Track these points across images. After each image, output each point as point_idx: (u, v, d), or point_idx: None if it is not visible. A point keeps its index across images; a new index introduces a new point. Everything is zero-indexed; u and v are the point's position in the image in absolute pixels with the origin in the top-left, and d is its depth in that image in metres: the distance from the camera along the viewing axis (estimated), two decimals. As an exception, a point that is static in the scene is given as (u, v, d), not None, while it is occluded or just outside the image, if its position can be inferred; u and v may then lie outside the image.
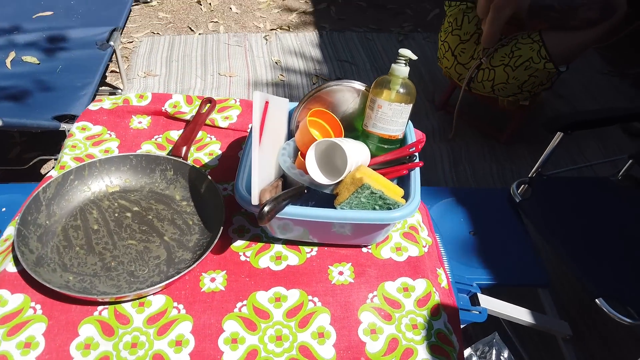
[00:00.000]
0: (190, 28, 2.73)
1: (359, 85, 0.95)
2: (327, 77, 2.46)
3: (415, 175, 0.85)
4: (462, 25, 1.93)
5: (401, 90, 0.89)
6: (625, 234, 1.25)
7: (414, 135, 0.94)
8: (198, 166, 0.99)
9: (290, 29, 2.79)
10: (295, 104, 0.96)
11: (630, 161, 1.45)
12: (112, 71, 2.35)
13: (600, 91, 2.49)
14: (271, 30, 2.78)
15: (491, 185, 1.96)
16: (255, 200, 0.74)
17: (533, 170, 1.39)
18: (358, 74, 2.50)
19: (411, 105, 0.90)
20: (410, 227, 0.92)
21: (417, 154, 0.89)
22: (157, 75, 2.36)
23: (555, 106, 2.36)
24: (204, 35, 2.68)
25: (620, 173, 1.47)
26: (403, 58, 0.89)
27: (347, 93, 0.95)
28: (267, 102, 0.81)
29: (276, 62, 2.52)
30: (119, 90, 2.21)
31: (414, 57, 0.89)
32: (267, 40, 2.69)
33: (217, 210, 0.86)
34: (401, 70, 0.89)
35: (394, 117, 0.89)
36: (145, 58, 2.47)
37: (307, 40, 2.71)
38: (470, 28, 1.93)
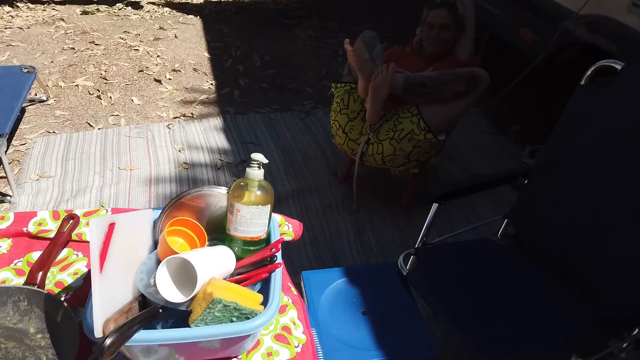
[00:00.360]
0: (89, 124, 2.69)
1: (220, 190, 0.96)
2: (232, 161, 2.49)
3: (276, 278, 0.86)
4: (348, 105, 2.05)
5: (258, 192, 0.91)
6: (500, 293, 1.31)
7: (277, 233, 0.96)
8: (60, 289, 0.94)
9: (194, 116, 2.83)
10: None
11: (506, 220, 1.56)
12: (1, 177, 2.24)
13: (487, 149, 2.70)
14: (174, 118, 2.80)
15: (394, 253, 2.01)
16: (97, 333, 0.71)
17: (418, 241, 1.45)
18: (262, 154, 2.54)
19: (269, 205, 0.93)
20: (282, 328, 0.91)
21: (278, 254, 0.90)
22: (51, 177, 2.28)
23: (447, 168, 2.53)
24: (103, 129, 2.65)
25: (500, 233, 1.57)
26: (256, 162, 0.92)
27: (211, 198, 0.97)
28: (112, 224, 0.80)
29: (179, 151, 2.53)
30: (8, 198, 2.10)
31: (265, 161, 0.93)
32: (170, 129, 2.70)
33: (70, 342, 0.81)
34: (256, 173, 0.92)
35: (253, 219, 0.91)
36: (39, 159, 2.38)
37: (211, 126, 2.75)
38: (356, 107, 2.05)
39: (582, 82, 1.32)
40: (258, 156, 0.92)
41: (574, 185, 1.35)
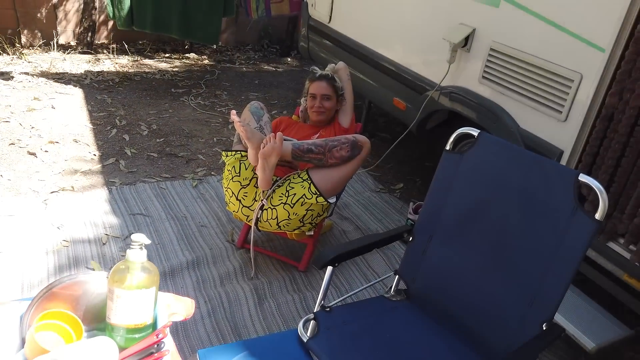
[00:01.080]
0: (-55, 204, 2.37)
1: (97, 276, 0.90)
2: (119, 234, 2.33)
3: (165, 365, 0.81)
4: (240, 172, 2.07)
5: (141, 275, 0.87)
6: (395, 350, 1.36)
7: (165, 316, 0.91)
8: None
9: (75, 189, 2.64)
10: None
11: (397, 276, 1.64)
12: None
13: (376, 207, 2.86)
14: (52, 193, 2.59)
15: (296, 318, 2.00)
16: None
17: (316, 305, 1.46)
18: (153, 225, 2.43)
19: (154, 287, 0.88)
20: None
21: (166, 339, 0.85)
22: None
23: (341, 227, 2.62)
24: (-36, 210, 2.35)
25: (392, 289, 1.64)
26: (137, 243, 0.88)
27: (88, 285, 0.90)
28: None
29: (58, 228, 2.32)
30: None
31: (148, 242, 0.89)
32: (46, 204, 2.48)
33: None
34: (137, 255, 0.88)
35: (136, 304, 0.86)
36: None
37: (94, 199, 2.58)
38: (248, 174, 2.07)
39: (447, 147, 1.48)
40: (139, 237, 0.89)
41: (450, 238, 1.48)
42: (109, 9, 4.09)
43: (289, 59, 5.60)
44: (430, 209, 1.54)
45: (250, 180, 2.07)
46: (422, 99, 2.64)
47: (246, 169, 2.07)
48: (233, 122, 1.91)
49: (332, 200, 2.05)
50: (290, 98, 4.39)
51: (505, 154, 1.37)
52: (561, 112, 1.95)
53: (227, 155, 2.12)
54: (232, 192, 2.08)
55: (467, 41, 2.35)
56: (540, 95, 2.02)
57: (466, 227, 1.47)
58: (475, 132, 1.43)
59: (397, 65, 2.86)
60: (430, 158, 3.54)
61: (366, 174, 3.20)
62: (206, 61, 5.12)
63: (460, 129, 1.46)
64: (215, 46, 5.41)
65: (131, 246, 0.88)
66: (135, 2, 4.03)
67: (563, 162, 1.96)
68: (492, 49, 2.23)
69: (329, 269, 1.44)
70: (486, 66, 2.27)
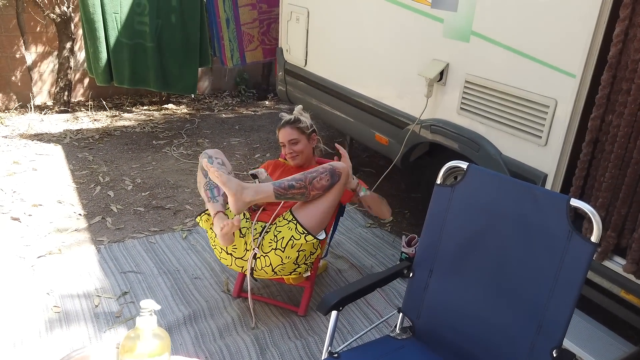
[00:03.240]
0: None
1: (106, 348, 0.88)
2: (112, 295, 2.28)
3: None
4: None
5: (152, 342, 0.85)
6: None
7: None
8: None
9: (62, 252, 2.58)
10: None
11: (401, 314, 1.63)
12: None
13: (369, 243, 2.87)
14: (39, 258, 2.52)
15: (301, 365, 1.96)
16: None
17: (324, 352, 1.44)
18: (146, 282, 2.38)
19: (167, 354, 0.86)
20: None
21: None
22: None
23: (337, 266, 2.61)
24: (-53, 284, 2.27)
25: (398, 327, 1.63)
26: (146, 310, 0.87)
27: (96, 358, 0.87)
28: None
29: (48, 294, 2.25)
30: None
31: (157, 307, 0.88)
32: (34, 270, 2.41)
33: None
34: (147, 321, 0.86)
35: (151, 372, 0.84)
36: None
37: (83, 260, 2.52)
38: None
39: (438, 181, 1.51)
40: (147, 303, 0.88)
41: (450, 271, 1.49)
42: (88, 66, 4.13)
43: (267, 102, 5.69)
44: (427, 243, 1.55)
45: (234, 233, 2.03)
46: (404, 133, 2.70)
47: None
48: (208, 170, 1.86)
49: (322, 236, 2.04)
50: (272, 140, 4.43)
51: (495, 184, 1.41)
52: (541, 136, 2.01)
53: (201, 219, 2.10)
54: (221, 248, 2.06)
55: (442, 75, 2.44)
56: (519, 122, 2.10)
57: (465, 259, 1.49)
58: (463, 164, 1.46)
59: (375, 102, 2.94)
60: (416, 189, 3.59)
61: (355, 210, 3.22)
62: (185, 110, 5.16)
63: (449, 163, 1.50)
64: (193, 95, 5.47)
65: (140, 313, 0.87)
66: (113, 58, 4.08)
67: (548, 184, 2.02)
68: (467, 82, 2.31)
69: (334, 313, 1.43)
70: (463, 98, 2.35)
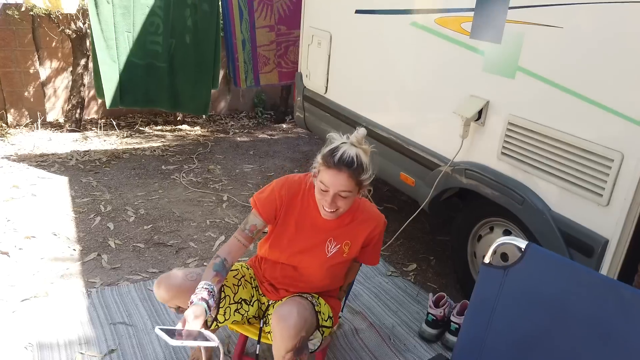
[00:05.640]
0: None
1: None
2: (96, 353, 2.01)
3: None
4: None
5: None
6: None
7: None
8: None
9: (49, 295, 2.33)
10: None
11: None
12: None
13: (390, 295, 2.55)
14: (23, 301, 2.27)
15: None
16: None
17: None
18: (137, 337, 2.11)
19: None
20: None
21: None
22: None
23: (354, 324, 2.30)
24: None
25: None
26: None
27: None
28: None
29: (25, 348, 1.99)
30: None
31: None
32: (15, 315, 2.16)
33: None
34: None
35: None
36: None
37: (71, 307, 2.26)
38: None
39: (487, 261, 1.21)
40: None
41: (500, 376, 1.18)
42: (96, 87, 3.96)
43: (284, 125, 5.45)
44: (470, 335, 1.24)
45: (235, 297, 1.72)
46: (434, 176, 2.40)
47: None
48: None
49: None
50: (287, 169, 4.17)
51: (564, 273, 1.10)
52: (602, 195, 1.70)
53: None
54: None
55: (480, 114, 2.14)
56: (574, 176, 1.78)
57: (519, 353, 1.17)
58: (521, 243, 1.16)
59: (403, 138, 2.65)
60: (442, 231, 3.26)
61: (375, 255, 2.91)
62: (199, 132, 4.94)
63: (500, 240, 1.20)
64: (205, 115, 5.26)
65: None
66: (124, 79, 3.90)
67: (609, 252, 1.69)
68: (510, 123, 2.01)
69: None
70: (505, 141, 2.05)
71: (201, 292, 1.48)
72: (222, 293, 1.66)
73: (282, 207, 1.66)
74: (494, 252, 1.21)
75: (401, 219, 2.94)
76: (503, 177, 2.07)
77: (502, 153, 2.06)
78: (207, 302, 1.46)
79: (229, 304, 1.67)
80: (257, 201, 1.67)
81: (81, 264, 2.61)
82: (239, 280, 1.74)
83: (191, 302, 1.46)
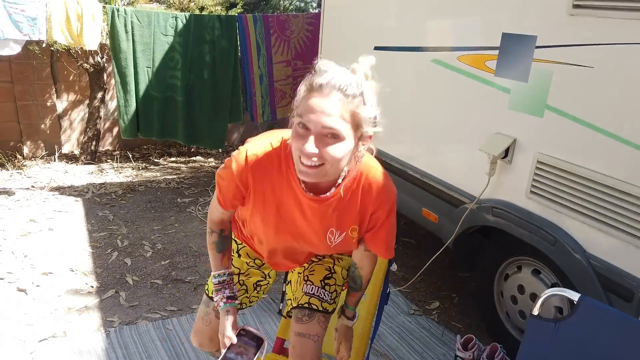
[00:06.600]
0: None
1: None
2: (115, 397, 1.95)
3: None
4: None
5: None
6: None
7: None
8: None
9: (67, 335, 2.28)
10: None
11: None
12: None
13: (414, 336, 2.48)
14: (40, 341, 2.23)
15: None
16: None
17: None
18: (157, 380, 2.05)
19: None
20: None
21: None
22: None
23: (378, 369, 2.23)
24: None
25: None
26: None
27: None
28: None
29: (43, 392, 1.94)
30: None
31: None
32: (32, 358, 2.11)
33: None
34: None
35: None
36: None
37: (89, 347, 2.21)
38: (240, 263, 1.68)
39: (536, 312, 1.16)
40: None
41: None
42: (120, 117, 4.01)
43: (298, 157, 5.45)
44: (517, 391, 1.19)
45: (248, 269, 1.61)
46: (459, 213, 2.36)
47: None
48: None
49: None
50: (302, 202, 4.14)
51: (620, 329, 1.05)
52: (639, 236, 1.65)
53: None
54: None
55: (507, 152, 2.12)
56: (610, 217, 1.74)
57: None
58: (573, 295, 1.12)
59: (426, 174, 2.62)
60: (463, 267, 3.20)
61: (396, 293, 2.84)
62: (213, 164, 4.95)
63: (551, 291, 1.16)
64: (221, 150, 5.28)
65: None
66: (142, 111, 3.94)
67: (651, 297, 1.64)
68: (540, 162, 1.99)
69: None
70: (534, 180, 2.01)
71: (221, 292, 1.43)
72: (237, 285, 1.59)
73: (248, 193, 1.26)
74: (542, 302, 1.17)
75: (420, 255, 2.89)
76: (533, 216, 2.03)
77: (532, 192, 2.03)
78: (229, 297, 1.42)
79: (246, 294, 1.62)
80: (219, 192, 1.36)
81: (99, 301, 2.57)
82: (246, 271, 1.62)
83: (217, 305, 1.44)
